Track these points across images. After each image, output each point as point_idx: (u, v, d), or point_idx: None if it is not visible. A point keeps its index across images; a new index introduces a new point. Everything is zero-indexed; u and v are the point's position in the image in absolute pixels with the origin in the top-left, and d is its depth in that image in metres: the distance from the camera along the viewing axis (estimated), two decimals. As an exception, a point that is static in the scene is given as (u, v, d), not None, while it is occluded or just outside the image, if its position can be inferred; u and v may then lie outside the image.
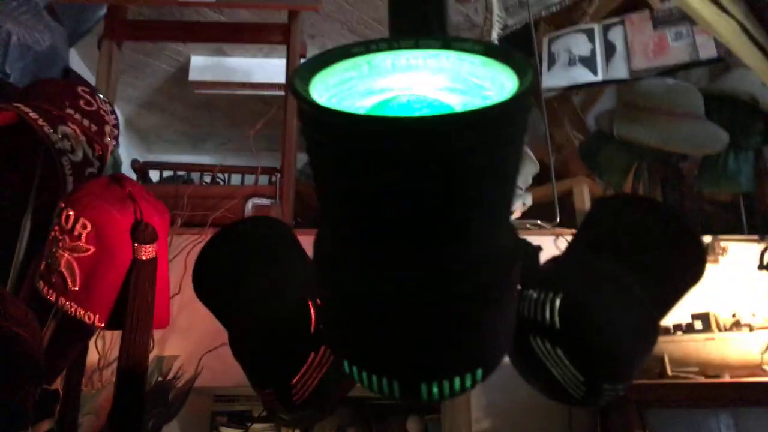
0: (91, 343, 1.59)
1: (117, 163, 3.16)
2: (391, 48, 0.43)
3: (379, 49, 0.43)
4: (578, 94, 3.31)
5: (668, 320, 1.87)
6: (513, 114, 0.35)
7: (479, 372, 0.45)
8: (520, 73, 0.38)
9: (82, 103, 1.49)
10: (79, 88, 1.52)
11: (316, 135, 0.35)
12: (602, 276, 0.54)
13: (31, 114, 1.32)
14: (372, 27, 3.71)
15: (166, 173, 3.64)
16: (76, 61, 3.37)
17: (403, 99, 0.43)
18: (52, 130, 1.34)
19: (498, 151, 0.36)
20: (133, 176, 2.87)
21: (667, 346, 1.74)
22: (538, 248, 0.55)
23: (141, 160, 4.71)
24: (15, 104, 1.32)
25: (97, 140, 1.46)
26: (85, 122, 1.44)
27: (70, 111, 1.42)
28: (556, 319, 0.51)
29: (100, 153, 1.46)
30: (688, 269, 0.56)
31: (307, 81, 0.38)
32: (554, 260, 0.58)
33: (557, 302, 0.52)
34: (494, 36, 2.16)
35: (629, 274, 0.53)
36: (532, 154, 2.00)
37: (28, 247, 1.34)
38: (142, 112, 4.48)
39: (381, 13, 3.58)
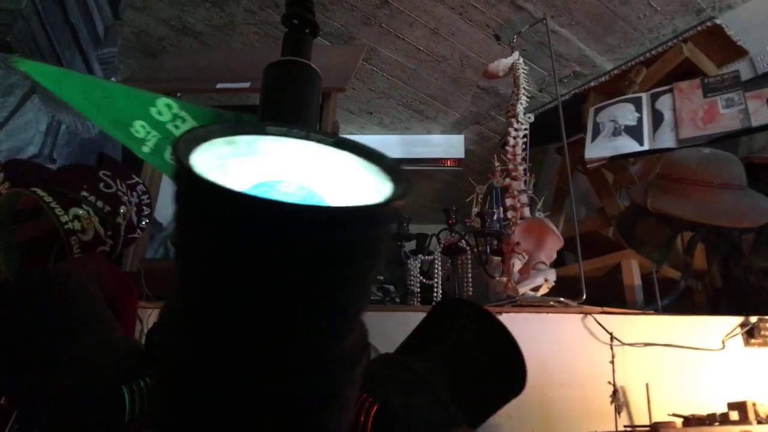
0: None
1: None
2: (280, 134, 0.44)
3: (271, 133, 0.44)
4: (635, 163, 3.19)
5: (703, 409, 1.70)
6: (387, 217, 0.36)
7: None
8: (396, 179, 0.39)
9: (101, 185, 1.61)
10: (101, 172, 1.64)
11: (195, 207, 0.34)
12: (413, 383, 0.52)
13: (45, 198, 1.44)
14: (426, 102, 3.80)
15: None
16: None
17: (285, 188, 0.44)
18: (63, 212, 1.46)
19: (371, 248, 0.36)
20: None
21: (698, 439, 1.58)
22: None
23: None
24: (32, 189, 1.46)
25: (110, 220, 1.57)
26: (99, 204, 1.55)
27: (85, 194, 1.54)
28: (369, 424, 0.50)
29: (112, 232, 1.57)
30: (500, 381, 0.53)
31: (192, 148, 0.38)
32: (377, 360, 0.57)
33: (373, 409, 0.51)
34: (520, 109, 2.15)
35: (434, 376, 0.51)
36: (555, 229, 1.93)
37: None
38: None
39: (434, 89, 3.67)
